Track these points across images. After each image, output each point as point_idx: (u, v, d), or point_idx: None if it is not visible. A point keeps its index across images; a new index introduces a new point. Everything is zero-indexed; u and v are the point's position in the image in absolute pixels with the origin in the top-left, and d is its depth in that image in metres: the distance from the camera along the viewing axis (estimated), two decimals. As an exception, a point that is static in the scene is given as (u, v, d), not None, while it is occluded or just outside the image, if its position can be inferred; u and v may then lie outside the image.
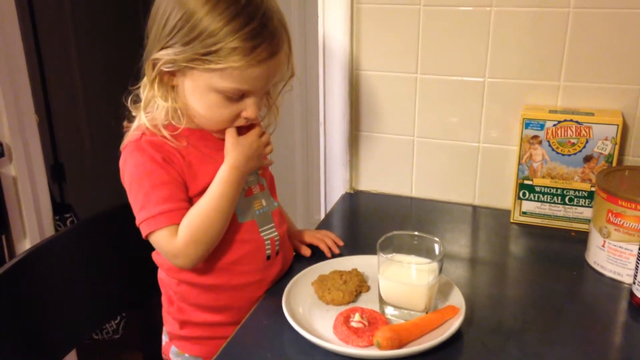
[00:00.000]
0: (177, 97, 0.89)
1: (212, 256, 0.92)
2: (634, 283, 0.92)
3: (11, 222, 1.55)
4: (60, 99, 2.33)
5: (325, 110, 1.37)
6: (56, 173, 2.32)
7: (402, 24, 1.23)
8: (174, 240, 0.86)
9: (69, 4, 2.34)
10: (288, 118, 2.31)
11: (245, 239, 0.95)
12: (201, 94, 0.86)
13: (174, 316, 1.00)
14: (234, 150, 0.90)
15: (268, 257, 0.97)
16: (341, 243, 1.11)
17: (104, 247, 1.16)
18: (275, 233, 0.99)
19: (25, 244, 1.57)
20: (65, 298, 1.08)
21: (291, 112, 2.31)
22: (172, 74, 0.87)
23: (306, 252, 1.09)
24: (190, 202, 0.90)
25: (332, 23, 1.28)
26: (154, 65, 0.86)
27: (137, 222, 0.88)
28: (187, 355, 1.01)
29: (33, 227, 1.59)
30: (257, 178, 0.98)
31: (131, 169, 0.88)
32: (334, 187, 1.41)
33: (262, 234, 0.97)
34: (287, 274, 1.01)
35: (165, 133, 0.88)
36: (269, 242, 0.97)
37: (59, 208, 1.98)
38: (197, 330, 0.99)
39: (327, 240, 1.10)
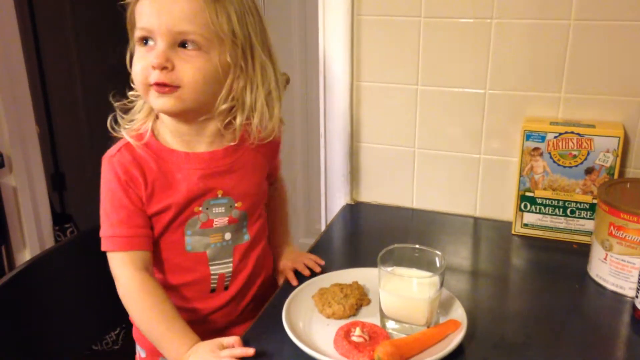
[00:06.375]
0: None
1: (159, 271, 0.95)
2: (637, 297, 0.92)
3: (11, 233, 1.55)
4: (61, 108, 2.33)
5: (326, 121, 1.37)
6: (57, 182, 2.32)
7: (402, 35, 1.23)
8: (117, 271, 0.89)
9: (69, 10, 2.34)
10: (289, 129, 2.31)
11: (189, 268, 0.94)
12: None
13: None
14: (195, 351, 0.83)
15: (212, 290, 0.96)
16: (322, 262, 1.06)
17: (105, 258, 1.15)
18: (229, 269, 0.96)
19: (25, 255, 1.57)
20: (65, 309, 1.07)
21: (292, 123, 2.31)
22: None
23: (292, 281, 1.02)
24: (150, 220, 0.90)
25: (332, 34, 1.28)
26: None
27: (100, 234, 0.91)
28: (138, 346, 1.03)
29: (33, 237, 1.59)
30: (229, 210, 0.94)
31: (101, 183, 0.90)
32: (335, 198, 1.41)
33: (210, 267, 0.95)
34: (286, 289, 0.99)
35: (131, 141, 0.89)
36: (216, 276, 0.95)
37: (59, 218, 1.98)
38: None
39: (306, 261, 1.05)
